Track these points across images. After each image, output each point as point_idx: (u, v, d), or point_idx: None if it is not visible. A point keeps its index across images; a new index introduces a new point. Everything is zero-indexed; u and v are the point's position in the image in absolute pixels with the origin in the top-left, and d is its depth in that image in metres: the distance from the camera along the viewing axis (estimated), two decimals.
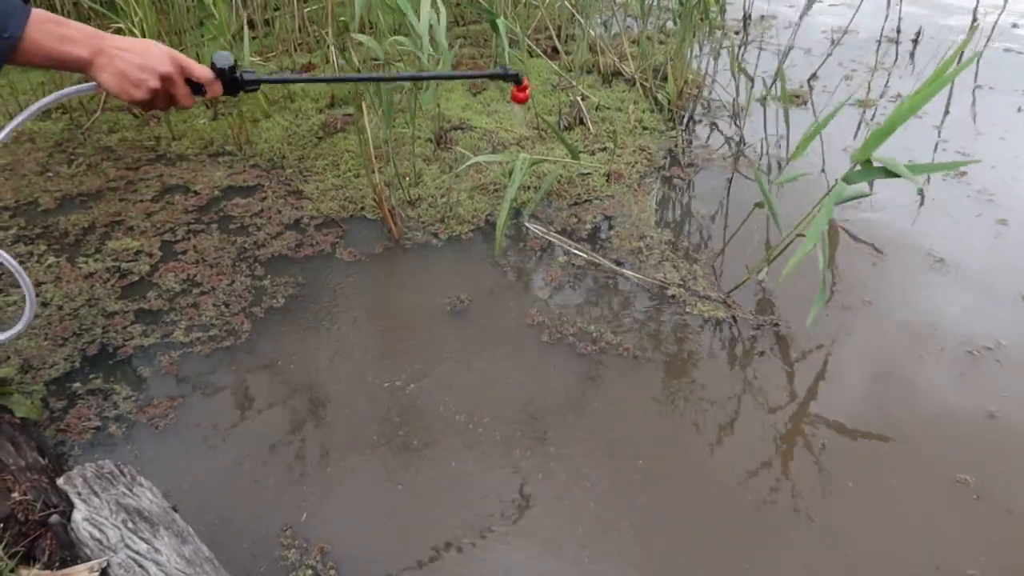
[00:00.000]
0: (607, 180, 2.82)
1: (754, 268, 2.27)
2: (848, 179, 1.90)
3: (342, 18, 3.16)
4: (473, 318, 2.22)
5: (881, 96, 3.50)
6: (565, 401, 1.95)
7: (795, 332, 2.15)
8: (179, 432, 1.87)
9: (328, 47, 3.48)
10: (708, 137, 3.20)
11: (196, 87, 1.31)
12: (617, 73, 3.58)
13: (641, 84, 3.44)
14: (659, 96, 3.34)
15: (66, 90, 1.30)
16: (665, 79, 3.37)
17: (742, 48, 3.77)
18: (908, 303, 2.26)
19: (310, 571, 1.56)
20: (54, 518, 1.45)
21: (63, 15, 1.23)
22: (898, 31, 4.04)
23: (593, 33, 3.63)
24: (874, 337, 2.14)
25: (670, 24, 3.91)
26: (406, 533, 1.65)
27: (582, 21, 3.41)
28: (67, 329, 2.12)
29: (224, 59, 1.31)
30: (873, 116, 3.32)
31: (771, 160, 3.03)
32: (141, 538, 1.41)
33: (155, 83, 1.24)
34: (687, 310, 2.22)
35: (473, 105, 3.32)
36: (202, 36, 3.38)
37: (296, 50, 3.72)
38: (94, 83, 1.25)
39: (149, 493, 1.53)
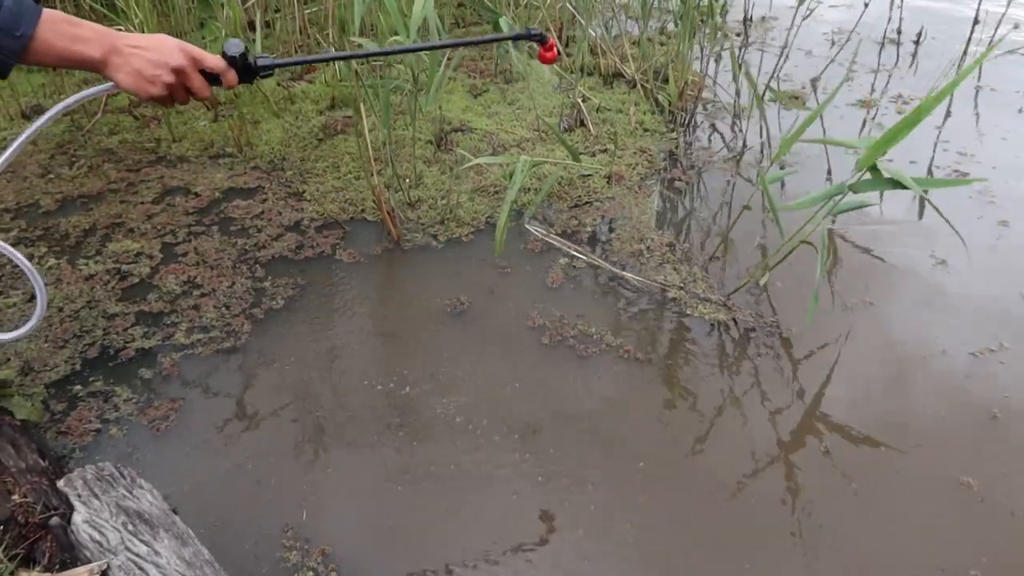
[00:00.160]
0: (608, 182, 2.82)
1: (754, 272, 2.26)
2: (854, 188, 1.89)
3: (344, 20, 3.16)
4: (473, 320, 2.22)
5: (881, 96, 3.50)
6: (565, 403, 1.95)
7: (796, 334, 2.15)
8: (180, 434, 1.86)
9: (329, 49, 3.48)
10: (709, 139, 3.20)
11: (212, 78, 1.30)
12: (618, 74, 3.58)
13: (642, 86, 3.43)
14: (660, 98, 3.34)
15: (87, 91, 1.30)
16: (666, 81, 3.37)
17: (743, 50, 3.77)
18: (910, 305, 2.26)
19: (311, 573, 1.56)
20: (54, 520, 1.45)
21: None
22: (899, 32, 4.04)
23: (594, 34, 3.63)
24: (876, 338, 2.14)
25: (670, 26, 3.92)
26: (407, 535, 1.65)
27: (583, 22, 3.41)
28: (68, 331, 2.12)
29: (235, 47, 1.30)
30: (874, 116, 3.32)
31: (771, 162, 3.03)
32: (141, 540, 1.41)
33: (169, 77, 1.24)
34: (687, 312, 2.22)
35: (474, 107, 3.32)
36: (203, 38, 3.38)
37: (296, 52, 3.73)
38: (111, 83, 1.25)
39: (149, 495, 1.53)
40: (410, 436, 1.87)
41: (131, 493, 1.51)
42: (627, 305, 2.26)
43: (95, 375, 2.00)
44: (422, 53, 2.36)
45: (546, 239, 2.44)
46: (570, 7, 3.58)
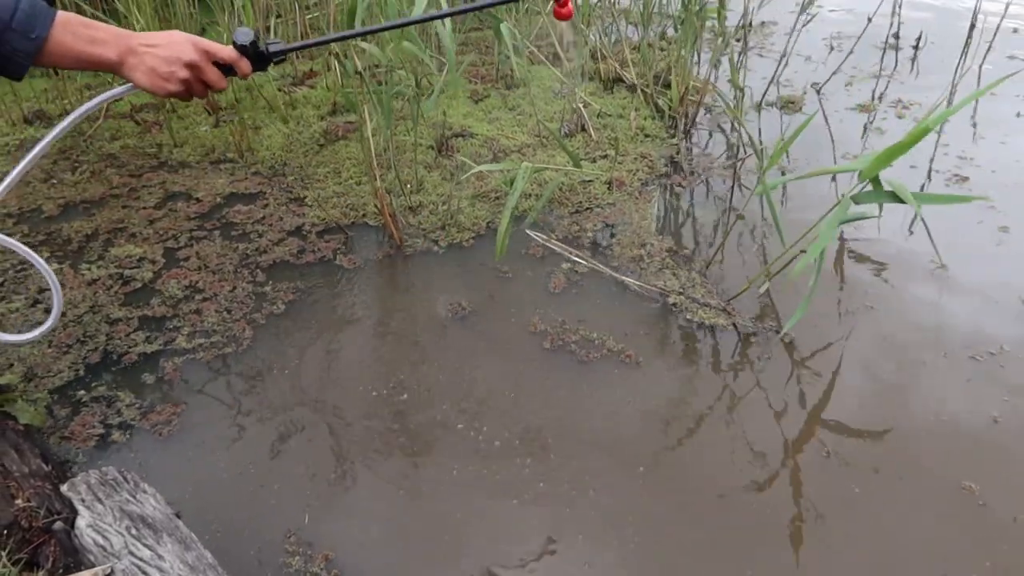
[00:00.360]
0: (609, 188, 2.83)
1: (755, 279, 2.26)
2: (856, 199, 1.90)
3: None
4: (475, 325, 2.22)
5: (881, 100, 3.52)
6: (567, 408, 1.96)
7: (796, 339, 2.15)
8: (182, 439, 1.87)
9: (329, 54, 3.50)
10: (710, 144, 3.21)
11: (226, 69, 1.31)
12: (618, 80, 3.59)
13: (642, 91, 3.44)
14: (660, 103, 3.35)
15: (110, 92, 1.31)
16: (666, 86, 3.38)
17: (742, 55, 3.78)
18: (910, 309, 2.27)
19: None
20: (58, 525, 1.46)
21: None
22: (897, 37, 4.05)
23: (594, 39, 3.64)
24: (877, 343, 2.14)
25: (670, 31, 3.93)
26: (409, 540, 1.65)
27: (583, 27, 3.42)
28: (71, 336, 2.13)
29: (244, 35, 1.30)
30: (872, 120, 3.33)
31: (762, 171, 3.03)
32: (144, 545, 1.41)
33: (184, 73, 1.25)
34: (688, 317, 2.22)
35: (475, 112, 3.33)
36: None
37: (298, 57, 3.74)
38: (130, 84, 1.26)
39: (152, 499, 1.53)
40: (411, 442, 1.87)
41: (134, 497, 1.51)
42: (629, 310, 2.26)
43: (98, 380, 2.01)
44: (426, 59, 2.37)
45: (547, 244, 2.45)
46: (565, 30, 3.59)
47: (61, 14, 1.16)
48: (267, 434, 1.89)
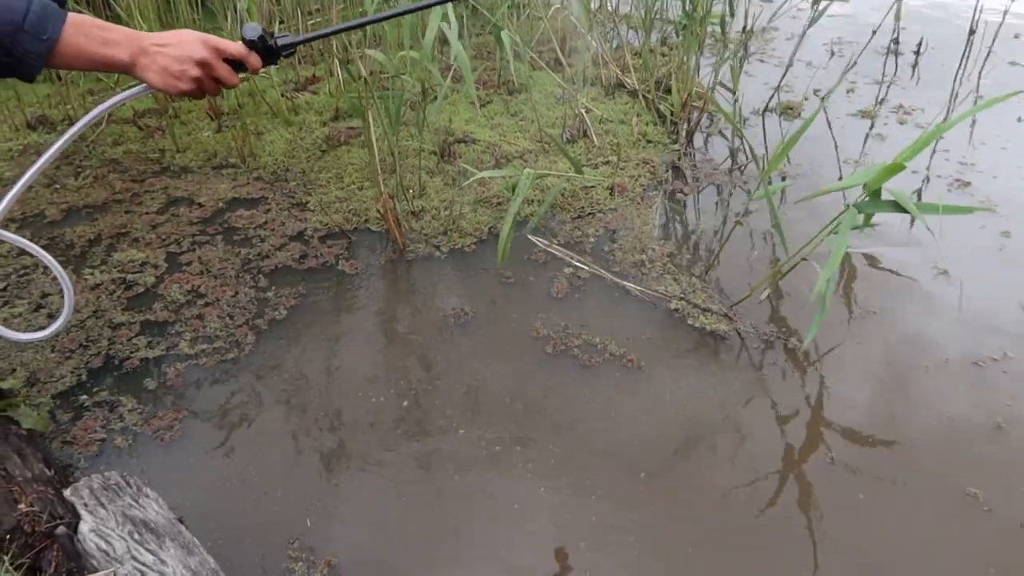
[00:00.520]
0: (610, 193, 2.83)
1: (756, 287, 2.26)
2: (861, 209, 1.90)
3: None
4: (477, 330, 2.22)
5: (881, 104, 3.52)
6: (569, 413, 1.95)
7: (798, 344, 2.15)
8: (184, 444, 1.87)
9: (332, 60, 3.50)
10: (711, 150, 3.21)
11: (237, 65, 1.31)
12: (620, 85, 3.59)
13: (643, 96, 3.45)
14: (662, 108, 3.36)
15: (125, 93, 1.32)
16: (667, 91, 3.39)
17: (743, 60, 3.78)
18: (913, 314, 2.27)
19: None
20: (60, 529, 1.45)
21: None
22: (896, 42, 4.06)
23: (595, 45, 3.65)
24: (879, 349, 2.14)
25: (671, 36, 3.93)
26: (411, 545, 1.65)
27: (584, 33, 3.43)
28: (74, 340, 2.13)
29: (252, 31, 1.30)
30: (872, 126, 3.33)
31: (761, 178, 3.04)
32: (147, 549, 1.41)
33: (195, 71, 1.25)
34: (689, 323, 2.22)
35: (476, 118, 3.34)
36: None
37: (300, 63, 3.75)
38: (143, 85, 1.26)
39: (155, 504, 1.53)
40: (413, 447, 1.87)
41: (137, 502, 1.51)
42: (631, 315, 2.26)
43: (100, 385, 2.01)
44: (433, 69, 2.37)
45: (549, 250, 2.45)
46: (573, 19, 3.59)
47: (72, 16, 1.16)
48: (269, 439, 1.89)
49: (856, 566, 1.60)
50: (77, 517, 1.46)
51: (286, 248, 2.53)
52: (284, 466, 1.82)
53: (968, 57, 3.69)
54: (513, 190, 2.19)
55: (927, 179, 2.94)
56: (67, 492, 1.51)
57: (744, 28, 3.24)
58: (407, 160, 2.96)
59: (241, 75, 1.33)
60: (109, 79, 3.31)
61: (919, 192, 2.86)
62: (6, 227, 2.56)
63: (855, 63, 3.41)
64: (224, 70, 1.29)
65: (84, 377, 2.03)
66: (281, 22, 3.53)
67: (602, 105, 3.42)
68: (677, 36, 3.37)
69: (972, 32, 3.74)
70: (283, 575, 1.58)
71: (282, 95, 3.41)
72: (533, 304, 2.31)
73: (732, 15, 3.03)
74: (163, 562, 1.40)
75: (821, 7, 3.19)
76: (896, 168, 1.76)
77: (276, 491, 1.76)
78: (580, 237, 2.60)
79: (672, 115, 3.30)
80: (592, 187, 2.85)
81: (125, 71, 1.24)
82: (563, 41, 3.78)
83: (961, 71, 3.63)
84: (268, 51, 1.33)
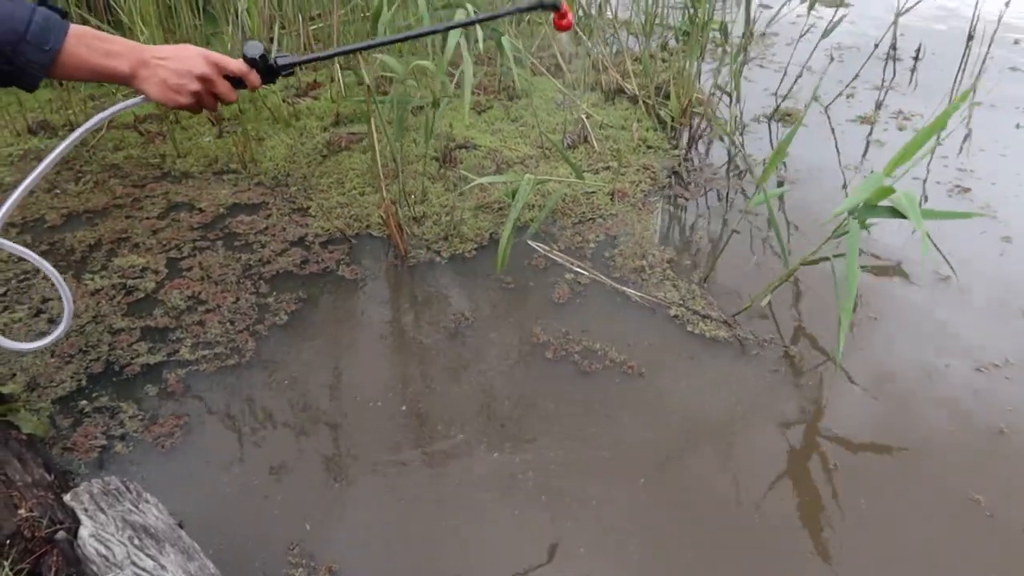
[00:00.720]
0: (611, 199, 2.83)
1: (756, 296, 2.25)
2: (860, 216, 1.89)
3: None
4: (477, 336, 2.22)
5: (879, 108, 3.53)
6: (569, 419, 1.95)
7: (799, 351, 2.15)
8: (184, 451, 1.86)
9: (333, 65, 3.51)
10: (711, 155, 3.22)
11: (236, 81, 1.32)
12: (620, 91, 3.60)
13: (644, 102, 3.46)
14: (662, 114, 3.36)
15: (122, 104, 1.33)
16: (667, 97, 3.39)
17: (743, 65, 3.79)
18: (914, 320, 2.27)
19: None
20: (60, 534, 1.45)
21: None
22: (894, 47, 4.07)
23: (596, 50, 3.65)
24: (881, 354, 2.14)
25: (671, 43, 3.94)
26: (411, 552, 1.64)
27: (584, 39, 3.44)
28: (74, 346, 2.13)
29: (254, 49, 1.32)
30: (871, 132, 3.34)
31: (757, 184, 3.04)
32: (147, 555, 1.41)
33: (195, 86, 1.26)
34: (689, 329, 2.22)
35: (477, 124, 3.34)
36: None
37: (302, 68, 3.75)
38: (142, 96, 1.27)
39: (155, 509, 1.53)
40: (413, 453, 1.87)
41: (137, 507, 1.51)
42: (631, 321, 2.26)
43: (101, 391, 2.00)
44: (443, 77, 2.38)
45: (549, 255, 2.45)
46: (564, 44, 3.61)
47: (75, 27, 1.17)
48: (269, 446, 1.88)
49: (858, 572, 1.59)
50: (77, 522, 1.46)
51: (287, 253, 2.53)
52: (284, 472, 1.81)
53: (966, 63, 3.70)
54: (513, 196, 2.20)
55: (927, 183, 2.94)
56: (67, 497, 1.51)
57: (744, 33, 3.24)
58: (409, 166, 2.96)
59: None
60: (110, 85, 3.31)
61: (920, 199, 2.86)
62: (6, 232, 2.57)
63: (856, 76, 3.43)
64: (223, 86, 1.30)
65: (84, 383, 2.03)
66: (282, 27, 3.53)
67: (602, 111, 3.43)
68: (677, 42, 3.38)
69: (971, 37, 3.75)
70: None
71: (283, 100, 3.41)
72: (533, 310, 2.31)
73: (752, 22, 3.03)
74: (163, 567, 1.40)
75: (836, 18, 3.21)
76: (887, 191, 1.77)
77: (276, 497, 1.75)
78: (580, 243, 2.60)
79: (672, 121, 3.30)
80: (593, 193, 2.86)
81: (126, 83, 1.24)
82: (563, 48, 3.80)
83: (959, 77, 3.64)
84: (268, 70, 1.34)
